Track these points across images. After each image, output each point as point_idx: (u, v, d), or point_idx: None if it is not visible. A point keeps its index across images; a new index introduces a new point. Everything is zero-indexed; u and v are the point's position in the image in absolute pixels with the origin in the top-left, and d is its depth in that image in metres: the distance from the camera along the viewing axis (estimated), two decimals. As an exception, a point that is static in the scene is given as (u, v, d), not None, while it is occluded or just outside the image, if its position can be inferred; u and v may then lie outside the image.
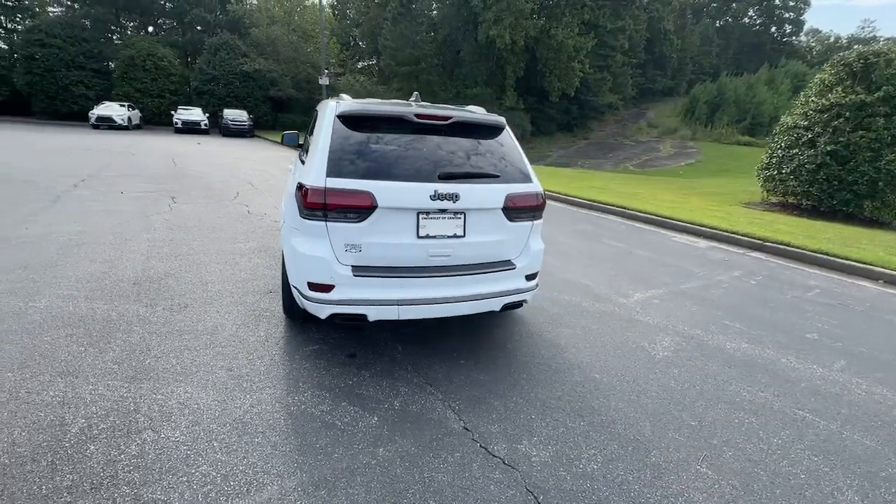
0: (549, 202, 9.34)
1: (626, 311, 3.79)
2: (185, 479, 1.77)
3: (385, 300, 2.45)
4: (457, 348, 2.96)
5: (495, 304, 2.72)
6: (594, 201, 8.99)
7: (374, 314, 2.47)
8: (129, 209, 6.08)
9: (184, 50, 34.03)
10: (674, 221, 7.47)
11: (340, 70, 35.19)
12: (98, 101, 25.84)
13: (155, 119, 27.90)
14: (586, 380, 2.71)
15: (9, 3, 30.64)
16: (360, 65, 41.35)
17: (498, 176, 2.70)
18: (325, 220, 2.38)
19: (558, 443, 2.13)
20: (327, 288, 2.42)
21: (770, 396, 2.66)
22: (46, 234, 4.70)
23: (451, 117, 2.65)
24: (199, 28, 32.93)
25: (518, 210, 2.70)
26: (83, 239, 4.65)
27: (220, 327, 3.02)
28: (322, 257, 2.40)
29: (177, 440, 1.97)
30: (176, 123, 24.48)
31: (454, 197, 2.47)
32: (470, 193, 2.54)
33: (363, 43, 41.08)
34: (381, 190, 2.38)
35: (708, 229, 6.98)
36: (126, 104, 25.31)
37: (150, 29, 34.78)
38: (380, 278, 2.44)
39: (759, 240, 6.39)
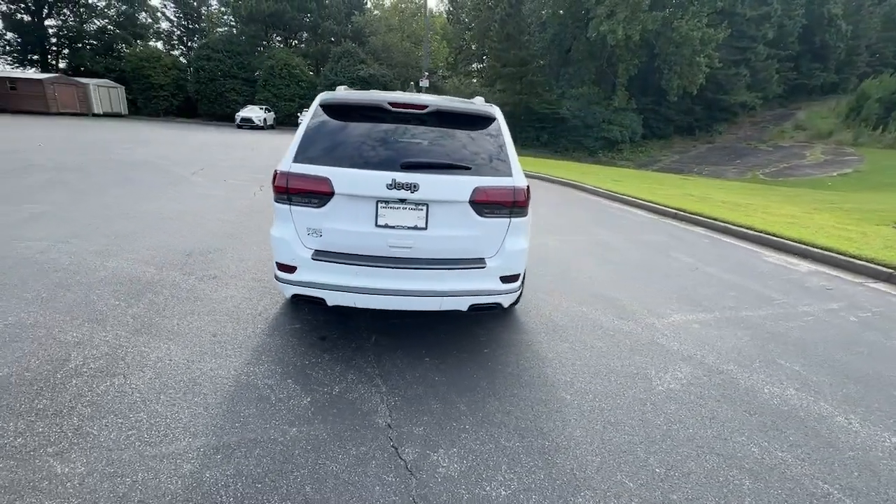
0: (623, 208, 8.66)
1: (649, 332, 3.29)
2: (121, 421, 2.01)
3: (343, 286, 2.48)
4: (430, 346, 2.87)
5: (461, 304, 2.57)
6: (681, 210, 7.93)
7: (331, 299, 2.51)
8: (222, 194, 7.06)
9: (315, 59, 38.25)
10: (775, 238, 6.23)
11: (448, 73, 36.32)
12: (244, 105, 30.51)
13: (286, 120, 31.88)
14: (551, 399, 2.42)
15: (192, 25, 37.72)
16: (472, 67, 42.25)
17: (468, 168, 2.54)
18: (290, 204, 2.49)
19: (477, 459, 1.94)
20: (291, 269, 2.53)
21: (791, 459, 2.08)
22: (153, 211, 5.69)
23: (427, 105, 2.57)
24: (330, 39, 36.68)
25: (489, 205, 2.51)
26: (175, 216, 5.52)
27: (229, 298, 3.34)
28: (286, 239, 2.52)
29: (135, 387, 2.24)
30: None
31: (413, 187, 2.39)
32: (432, 184, 2.43)
33: (474, 45, 41.83)
34: (339, 176, 2.41)
35: (819, 250, 5.68)
36: (264, 107, 29.45)
37: (293, 42, 39.76)
38: (338, 264, 2.47)
39: (891, 268, 5.01)
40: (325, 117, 2.62)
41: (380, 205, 2.44)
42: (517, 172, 2.63)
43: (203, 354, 2.58)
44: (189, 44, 38.60)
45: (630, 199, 9.15)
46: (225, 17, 39.31)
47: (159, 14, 38.45)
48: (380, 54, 32.91)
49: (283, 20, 35.51)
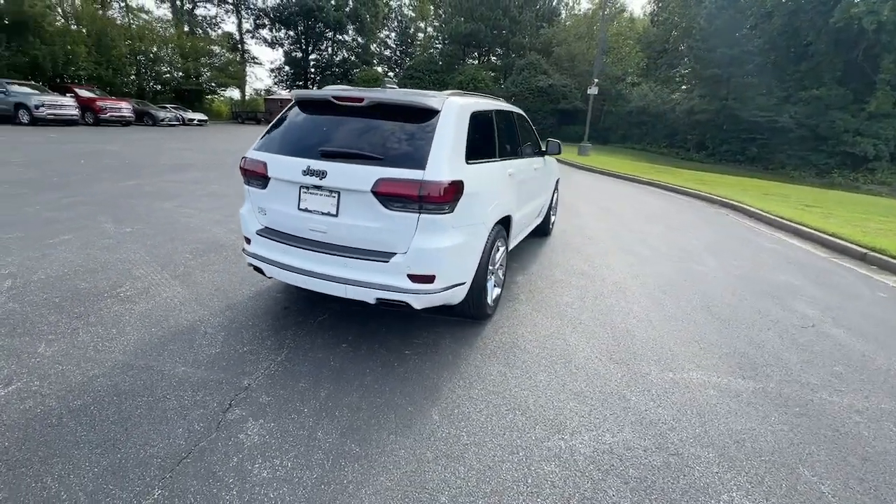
0: (780, 238, 6.37)
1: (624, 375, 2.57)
2: (102, 331, 2.73)
3: (275, 261, 2.77)
4: (367, 338, 2.90)
5: (367, 296, 2.55)
6: (874, 250, 5.58)
7: (268, 272, 2.83)
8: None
9: (502, 72, 40.21)
10: None
11: (638, 80, 33.30)
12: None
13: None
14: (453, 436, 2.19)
15: (408, 50, 44.34)
16: (674, 72, 37.72)
17: (379, 158, 2.48)
18: (247, 185, 2.91)
19: (281, 440, 1.96)
20: (248, 241, 2.96)
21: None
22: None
23: (364, 99, 2.64)
24: (519, 53, 38.03)
25: (393, 197, 2.41)
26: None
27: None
28: (245, 216, 2.95)
29: (131, 311, 3.00)
30: None
31: (322, 174, 2.50)
32: (338, 172, 2.49)
33: (682, 46, 37.05)
34: (272, 162, 2.69)
35: None
36: (447, 118, 32.57)
37: (484, 58, 42.73)
38: (272, 241, 2.77)
39: None
40: (294, 111, 2.95)
41: (302, 190, 2.64)
42: (438, 167, 2.44)
43: (188, 302, 3.23)
44: (402, 65, 45.43)
45: (791, 224, 6.86)
46: (434, 41, 44.82)
47: (385, 44, 46.41)
48: (563, 64, 32.43)
49: (477, 38, 38.45)
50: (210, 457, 1.84)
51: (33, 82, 18.44)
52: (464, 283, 2.76)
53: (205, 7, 38.78)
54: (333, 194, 2.55)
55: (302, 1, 38.22)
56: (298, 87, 45.49)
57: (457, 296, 2.75)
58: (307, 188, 2.61)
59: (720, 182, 13.28)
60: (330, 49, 44.87)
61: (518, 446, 2.02)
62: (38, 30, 20.36)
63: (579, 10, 39.65)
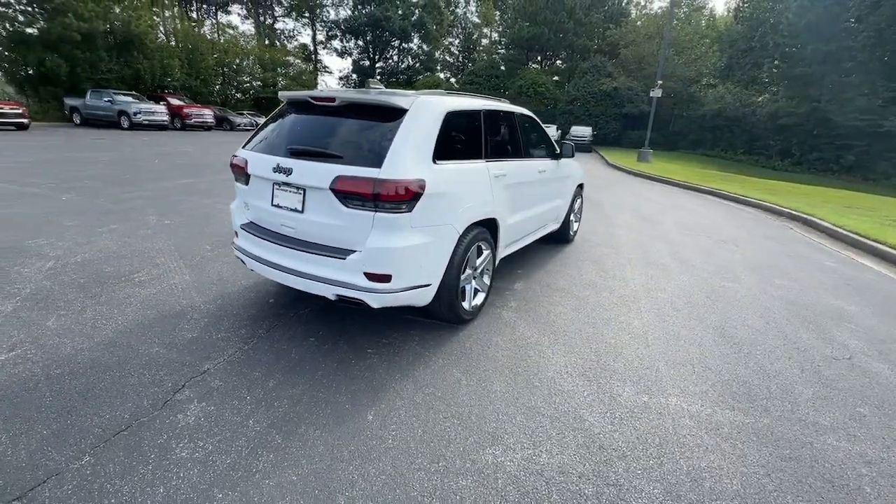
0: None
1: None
2: (106, 309, 3.03)
3: (253, 255, 2.90)
4: (353, 336, 2.95)
5: (328, 292, 2.59)
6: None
7: (248, 264, 2.98)
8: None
9: (566, 75, 39.15)
10: None
11: (714, 81, 30.86)
12: (490, 121, 34.27)
13: (523, 135, 34.01)
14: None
15: (471, 56, 44.72)
16: (760, 72, 34.38)
17: (339, 157, 2.51)
18: (235, 182, 3.08)
19: (217, 426, 2.04)
20: (236, 234, 3.13)
21: None
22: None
23: (335, 98, 2.69)
24: (583, 56, 36.83)
25: (349, 195, 2.43)
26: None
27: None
28: (233, 210, 3.13)
29: (136, 294, 3.29)
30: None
31: (289, 171, 2.58)
32: (302, 169, 2.55)
33: (772, 43, 33.60)
34: (251, 159, 2.83)
35: None
36: (505, 123, 32.31)
37: (547, 62, 41.89)
38: (251, 235, 2.91)
39: None
40: (286, 111, 3.07)
41: (275, 186, 2.74)
42: (394, 165, 2.42)
43: (189, 289, 3.48)
44: (464, 71, 45.85)
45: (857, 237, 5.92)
46: (496, 46, 44.79)
47: (448, 50, 47.13)
48: (629, 66, 30.87)
49: (540, 42, 37.80)
50: (144, 432, 1.96)
51: (134, 92, 20.99)
52: (429, 286, 2.71)
53: (283, 21, 41.99)
54: (300, 191, 2.63)
55: (370, 12, 39.98)
56: (365, 93, 47.53)
57: (421, 297, 2.71)
58: (279, 185, 2.72)
59: (796, 192, 11.87)
60: (395, 57, 46.44)
61: (441, 456, 1.93)
62: (141, 46, 23.17)
63: (651, 9, 37.57)
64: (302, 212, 2.64)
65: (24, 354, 2.46)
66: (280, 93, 3.10)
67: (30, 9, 20.51)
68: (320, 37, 44.04)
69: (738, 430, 2.22)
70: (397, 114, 2.60)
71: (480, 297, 3.32)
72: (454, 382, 2.48)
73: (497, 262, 3.54)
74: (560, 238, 5.40)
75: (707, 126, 29.18)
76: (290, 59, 37.53)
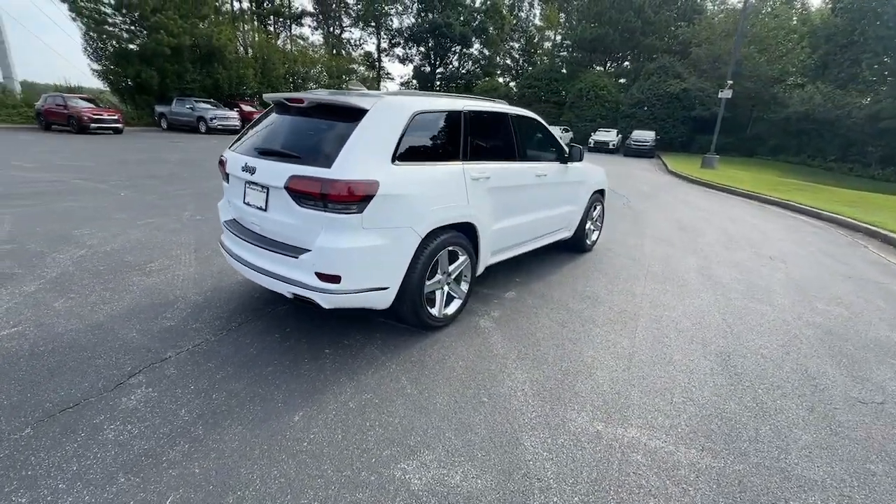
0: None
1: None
2: (106, 293, 3.32)
3: (230, 250, 3.03)
4: (317, 335, 2.99)
5: (285, 290, 2.62)
6: None
7: (227, 260, 3.11)
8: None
9: (631, 77, 37.23)
10: None
11: (802, 81, 27.84)
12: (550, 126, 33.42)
13: (582, 140, 32.81)
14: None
15: (531, 59, 44.09)
16: (860, 69, 30.46)
17: (297, 157, 2.53)
18: (223, 180, 3.23)
19: (156, 414, 2.14)
20: (222, 231, 3.29)
21: None
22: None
23: (304, 100, 2.73)
24: (651, 56, 34.82)
25: (301, 194, 2.44)
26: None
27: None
28: (220, 207, 3.28)
29: (132, 281, 3.56)
30: (589, 143, 28.12)
31: (253, 170, 2.66)
32: (264, 169, 2.61)
33: (875, 35, 29.61)
34: (230, 158, 2.95)
35: None
36: (561, 128, 31.38)
37: (611, 63, 40.14)
38: (230, 232, 3.04)
39: None
40: (267, 112, 3.18)
41: (246, 185, 2.83)
42: (344, 166, 2.40)
43: (192, 280, 3.70)
44: (524, 75, 45.27)
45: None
46: (558, 49, 43.73)
47: (509, 54, 46.77)
48: (702, 66, 28.68)
49: (604, 43, 36.32)
50: (85, 411, 2.09)
51: (212, 100, 23.07)
52: (386, 289, 2.66)
53: (350, 31, 44.06)
54: (263, 190, 2.69)
55: (432, 19, 40.74)
56: (425, 99, 48.43)
57: (379, 301, 2.67)
58: (249, 183, 2.81)
59: (887, 205, 10.28)
60: (456, 62, 46.90)
61: (350, 465, 1.87)
62: (221, 58, 25.46)
63: (731, 4, 34.57)
64: (265, 210, 2.70)
65: (23, 332, 2.74)
66: (264, 95, 3.21)
67: (133, 27, 23.33)
68: (384, 44, 45.62)
69: (697, 474, 1.93)
70: (357, 114, 2.58)
71: (455, 305, 3.21)
72: (397, 390, 2.41)
73: (481, 268, 3.40)
74: (575, 247, 5.10)
75: (791, 130, 26.31)
76: (354, 66, 39.22)
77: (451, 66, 46.94)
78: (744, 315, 3.67)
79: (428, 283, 2.92)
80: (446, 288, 3.13)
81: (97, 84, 25.06)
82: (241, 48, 30.67)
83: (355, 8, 42.32)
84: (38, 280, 3.49)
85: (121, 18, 22.86)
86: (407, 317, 2.91)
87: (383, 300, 2.69)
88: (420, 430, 2.11)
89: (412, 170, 2.69)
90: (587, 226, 5.10)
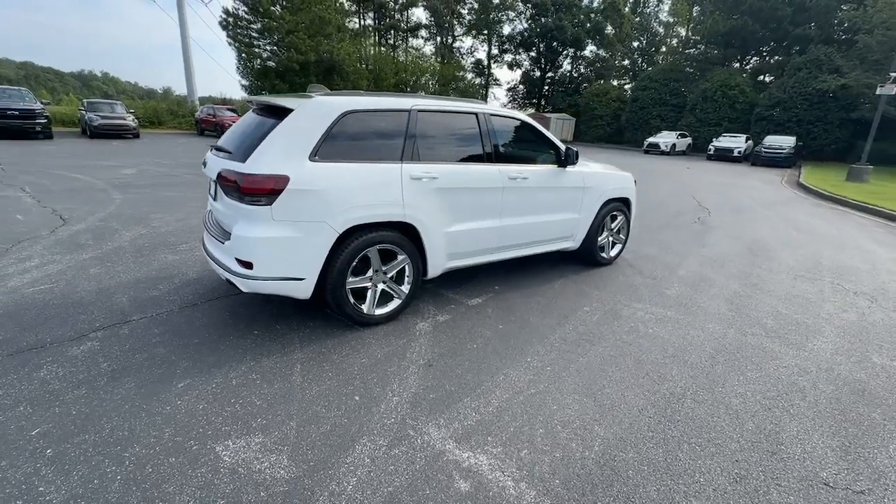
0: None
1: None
2: (125, 262, 4.03)
3: (203, 241, 3.44)
4: (272, 324, 3.29)
5: (221, 274, 2.91)
6: None
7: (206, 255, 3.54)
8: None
9: (775, 73, 31.88)
10: None
11: None
12: (662, 130, 30.38)
13: (702, 148, 29.12)
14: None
15: (651, 59, 40.57)
16: None
17: (230, 152, 2.79)
18: (212, 175, 3.68)
19: (50, 395, 2.59)
20: (211, 223, 3.75)
21: None
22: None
23: (254, 102, 3.01)
24: (795, 48, 29.44)
25: (226, 186, 2.69)
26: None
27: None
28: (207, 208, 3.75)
29: (158, 257, 4.25)
30: (709, 150, 24.95)
31: (205, 164, 3.01)
32: (210, 163, 2.94)
33: None
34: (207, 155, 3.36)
35: None
36: (678, 133, 28.27)
37: (748, 59, 34.85)
38: (205, 228, 3.45)
39: None
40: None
41: (210, 179, 3.21)
42: (257, 161, 2.60)
43: (203, 261, 4.28)
44: (640, 76, 41.84)
45: None
46: (684, 46, 39.49)
47: (627, 55, 43.60)
48: (872, 56, 23.23)
49: (741, 36, 31.68)
50: (42, 353, 2.61)
51: (328, 108, 25.91)
52: (302, 279, 2.79)
53: (461, 40, 45.44)
54: (212, 182, 3.03)
55: (542, 23, 39.98)
56: (532, 104, 47.72)
57: (297, 290, 2.81)
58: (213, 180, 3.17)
59: None
60: (568, 65, 45.36)
61: (186, 433, 2.03)
62: (340, 71, 28.42)
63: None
64: (216, 200, 3.04)
65: (52, 288, 3.49)
66: (255, 97, 3.60)
67: (271, 48, 27.36)
68: (494, 51, 46.10)
69: (513, 517, 1.68)
70: (283, 114, 2.77)
71: (394, 304, 3.21)
72: (283, 376, 2.51)
73: (435, 271, 3.34)
74: (585, 259, 4.66)
75: None
76: (461, 73, 40.36)
77: (561, 70, 45.54)
78: (742, 354, 2.98)
79: (354, 278, 2.98)
80: (381, 286, 3.15)
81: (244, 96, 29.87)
82: (361, 62, 33.73)
83: (468, 18, 43.51)
84: (95, 251, 4.38)
85: (263, 41, 26.98)
86: (334, 311, 3.01)
87: (303, 290, 2.82)
88: (271, 414, 2.19)
89: (332, 167, 2.77)
90: (602, 237, 4.61)
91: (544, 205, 3.96)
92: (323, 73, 27.93)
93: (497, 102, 49.04)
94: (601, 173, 4.42)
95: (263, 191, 2.58)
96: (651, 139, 27.78)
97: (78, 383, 2.34)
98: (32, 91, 17.27)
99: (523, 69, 45.92)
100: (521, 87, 46.86)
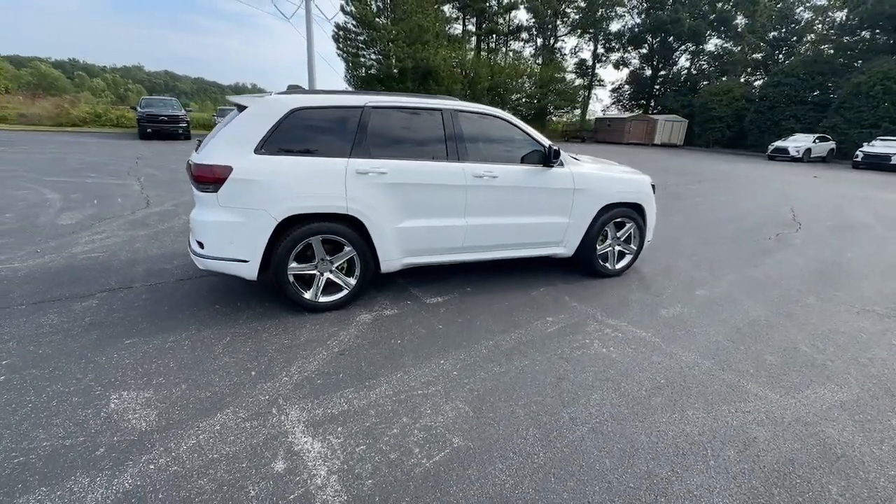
0: None
1: (250, 404, 2.23)
2: (155, 237, 4.76)
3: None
4: (226, 305, 3.69)
5: (190, 253, 3.32)
6: None
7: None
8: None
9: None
10: None
11: None
12: (795, 133, 25.90)
13: (848, 154, 24.18)
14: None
15: (793, 49, 34.91)
16: None
17: (199, 144, 3.15)
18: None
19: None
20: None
21: None
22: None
23: (232, 102, 3.36)
24: None
25: (190, 174, 3.06)
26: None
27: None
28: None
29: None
30: (855, 157, 20.82)
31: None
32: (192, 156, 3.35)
33: None
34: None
35: None
36: (815, 136, 23.90)
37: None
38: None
39: None
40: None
41: (200, 169, 3.65)
42: (205, 153, 2.93)
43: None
44: (771, 70, 36.13)
45: None
46: (839, 33, 33.13)
47: (758, 46, 38.03)
48: None
49: (918, 18, 25.54)
50: (53, 304, 3.25)
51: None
52: (247, 261, 3.05)
53: (563, 41, 43.87)
54: (193, 171, 3.45)
55: (656, 16, 36.76)
56: (640, 105, 44.21)
57: (243, 271, 3.08)
58: (200, 168, 3.62)
59: None
60: (686, 61, 41.17)
61: (80, 383, 2.39)
62: (435, 75, 29.50)
63: None
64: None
65: (99, 256, 4.28)
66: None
67: (378, 56, 29.48)
68: (600, 49, 43.71)
69: (298, 505, 1.68)
70: (241, 111, 3.06)
71: (340, 294, 3.33)
72: (197, 345, 2.78)
73: (391, 266, 3.39)
74: (584, 269, 4.28)
75: None
76: (559, 75, 39.02)
77: (675, 67, 41.50)
78: (701, 393, 2.49)
79: (299, 265, 3.17)
80: (327, 275, 3.28)
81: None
82: (460, 67, 34.57)
83: (574, 17, 41.88)
84: (151, 230, 5.25)
85: (367, 51, 29.21)
86: (278, 291, 3.23)
87: (248, 271, 3.09)
88: (173, 377, 2.45)
89: (275, 159, 2.98)
90: (604, 246, 4.19)
91: (523, 206, 3.73)
92: (420, 78, 29.28)
93: (600, 104, 46.46)
94: (599, 175, 4.01)
95: (210, 179, 2.90)
96: (778, 143, 23.94)
97: (60, 330, 2.87)
98: (181, 101, 21.02)
99: (631, 68, 42.81)
100: (626, 87, 43.73)
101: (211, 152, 2.94)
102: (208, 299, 3.45)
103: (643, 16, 39.89)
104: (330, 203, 3.09)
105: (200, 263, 3.10)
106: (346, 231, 3.19)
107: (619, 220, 4.16)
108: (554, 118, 41.35)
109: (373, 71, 29.20)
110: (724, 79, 37.03)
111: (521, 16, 52.68)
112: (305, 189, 3.04)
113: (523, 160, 3.72)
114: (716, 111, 33.24)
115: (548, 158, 3.71)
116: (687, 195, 10.02)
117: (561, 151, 3.81)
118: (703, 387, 2.56)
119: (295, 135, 3.07)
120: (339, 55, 29.84)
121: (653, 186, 4.37)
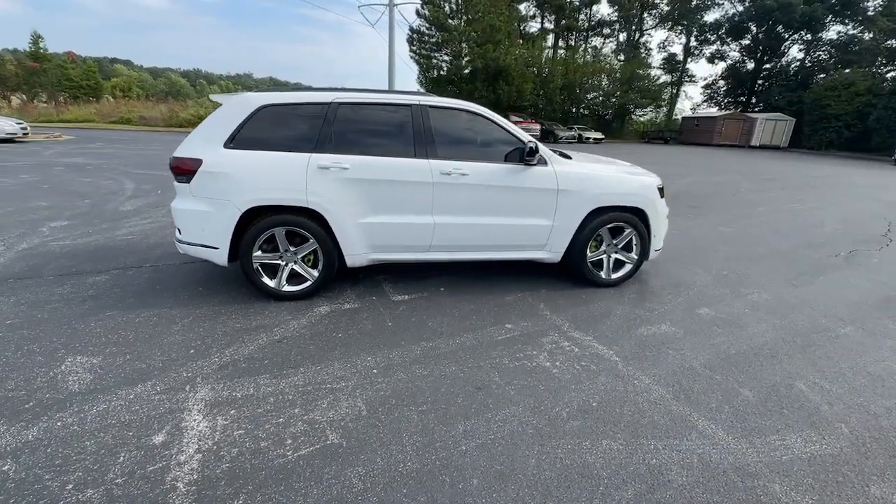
0: None
1: (170, 379, 2.40)
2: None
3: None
4: (203, 279, 4.00)
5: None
6: None
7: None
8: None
9: None
10: None
11: None
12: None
13: None
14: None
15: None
16: None
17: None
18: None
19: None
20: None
21: None
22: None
23: (218, 102, 3.63)
24: None
25: (170, 168, 3.36)
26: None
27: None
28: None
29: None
30: None
31: (187, 151, 3.77)
32: (184, 150, 3.67)
33: None
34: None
35: None
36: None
37: None
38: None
39: None
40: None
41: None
42: (183, 146, 3.19)
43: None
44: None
45: None
46: None
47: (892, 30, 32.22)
48: None
49: None
50: (70, 277, 3.76)
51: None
52: (217, 248, 3.29)
53: (649, 35, 40.76)
54: (190, 165, 3.78)
55: (760, 3, 32.72)
56: (739, 102, 39.80)
57: (214, 257, 3.32)
58: (200, 161, 3.95)
59: None
60: (797, 52, 36.29)
61: (52, 342, 2.73)
62: (506, 76, 29.14)
63: None
64: (190, 179, 3.79)
65: (132, 238, 4.87)
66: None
67: (449, 58, 29.88)
68: (692, 42, 40.05)
69: None
70: (217, 108, 3.29)
71: (304, 285, 3.44)
72: (161, 322, 3.03)
73: (355, 261, 3.45)
74: (575, 276, 3.97)
75: None
76: (643, 71, 36.41)
77: (784, 59, 36.73)
78: (632, 421, 2.18)
79: (264, 255, 3.34)
80: (292, 266, 3.41)
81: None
82: (535, 67, 33.77)
83: (663, 9, 38.83)
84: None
85: (439, 53, 29.71)
86: (245, 276, 3.42)
87: (219, 258, 3.32)
88: (125, 348, 2.71)
89: (242, 154, 3.17)
90: (596, 253, 3.86)
91: (498, 206, 3.55)
92: (490, 78, 29.13)
93: (689, 102, 42.62)
94: (588, 175, 3.68)
95: (183, 170, 3.16)
96: (909, 146, 20.11)
97: (63, 299, 3.32)
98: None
99: (729, 61, 38.65)
100: (721, 82, 39.57)
101: (186, 146, 3.20)
102: (197, 282, 3.76)
103: (746, 3, 35.76)
104: (290, 196, 3.21)
105: (180, 248, 3.39)
106: (309, 224, 3.29)
107: (614, 225, 3.79)
108: (634, 117, 38.72)
109: (443, 72, 29.67)
110: (846, 71, 31.94)
111: (604, 10, 49.99)
112: (267, 182, 3.18)
113: (505, 158, 3.54)
114: (831, 108, 28.86)
115: (526, 156, 3.50)
116: (757, 202, 8.82)
117: (543, 148, 3.57)
118: (640, 416, 2.24)
119: (263, 130, 3.23)
120: (412, 58, 30.79)
121: (660, 190, 3.91)
